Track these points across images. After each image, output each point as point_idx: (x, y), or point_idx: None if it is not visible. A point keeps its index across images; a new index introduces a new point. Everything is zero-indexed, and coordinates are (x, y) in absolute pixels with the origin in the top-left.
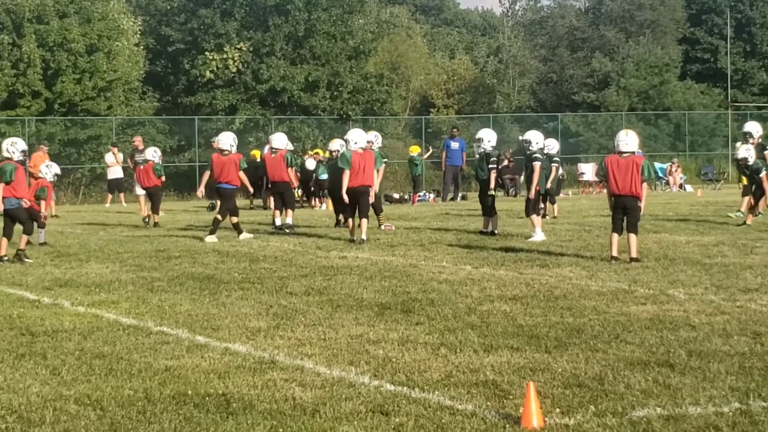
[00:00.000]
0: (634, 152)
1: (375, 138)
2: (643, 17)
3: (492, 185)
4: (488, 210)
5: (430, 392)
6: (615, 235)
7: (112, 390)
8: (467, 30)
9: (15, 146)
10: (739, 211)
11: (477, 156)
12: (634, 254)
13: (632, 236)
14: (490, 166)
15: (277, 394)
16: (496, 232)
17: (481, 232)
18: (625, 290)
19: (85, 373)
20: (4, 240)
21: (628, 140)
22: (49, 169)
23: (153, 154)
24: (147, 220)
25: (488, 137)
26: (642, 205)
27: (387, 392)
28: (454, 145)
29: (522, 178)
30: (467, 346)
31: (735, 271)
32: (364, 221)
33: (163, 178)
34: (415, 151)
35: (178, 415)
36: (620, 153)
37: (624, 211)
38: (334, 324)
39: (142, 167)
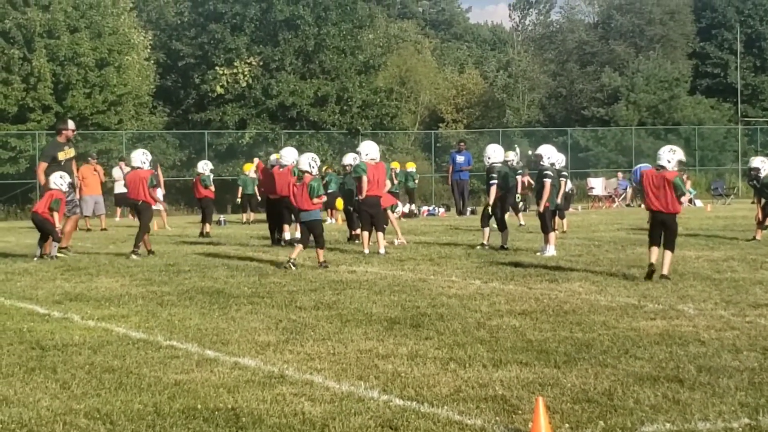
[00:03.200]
0: (665, 167)
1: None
2: (653, 32)
3: (491, 200)
4: (499, 225)
5: (439, 407)
6: (654, 248)
7: (122, 404)
8: (477, 44)
9: (316, 161)
10: None
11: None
12: (665, 271)
13: (668, 253)
14: (491, 181)
15: (286, 408)
16: (506, 246)
17: (490, 247)
18: (634, 305)
19: (94, 387)
20: (300, 247)
21: (662, 154)
22: (63, 180)
23: (204, 166)
24: (204, 233)
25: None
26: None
27: (396, 407)
28: (460, 158)
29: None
30: (476, 361)
31: (745, 286)
32: (380, 235)
33: (212, 188)
34: (411, 166)
35: (188, 429)
36: (657, 168)
37: (662, 227)
38: (344, 338)
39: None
